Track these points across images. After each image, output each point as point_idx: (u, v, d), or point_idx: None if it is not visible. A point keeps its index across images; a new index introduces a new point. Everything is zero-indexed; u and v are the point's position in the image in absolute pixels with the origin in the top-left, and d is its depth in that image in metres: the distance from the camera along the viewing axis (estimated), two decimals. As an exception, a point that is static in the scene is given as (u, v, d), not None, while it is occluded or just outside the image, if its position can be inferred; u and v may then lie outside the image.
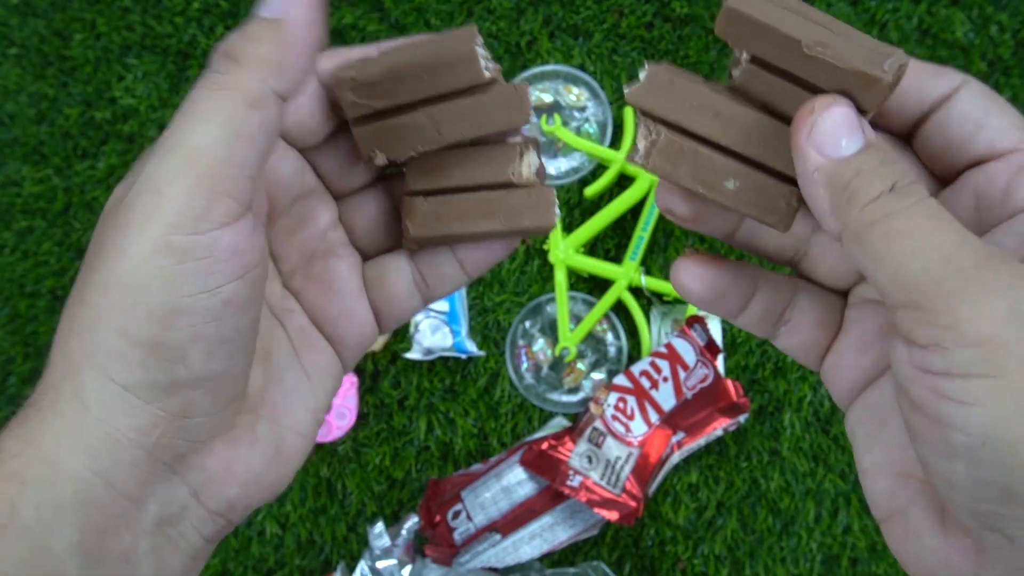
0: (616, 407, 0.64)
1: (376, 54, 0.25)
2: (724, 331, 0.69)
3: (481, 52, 0.24)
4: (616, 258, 0.70)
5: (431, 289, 0.28)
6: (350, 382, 0.70)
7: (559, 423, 0.68)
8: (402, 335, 0.71)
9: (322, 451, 0.71)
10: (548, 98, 0.73)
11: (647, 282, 0.68)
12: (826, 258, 0.26)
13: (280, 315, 0.27)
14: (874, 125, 0.22)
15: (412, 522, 0.65)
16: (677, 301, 0.69)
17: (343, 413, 0.70)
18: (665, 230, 0.70)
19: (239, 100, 0.21)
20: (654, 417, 0.64)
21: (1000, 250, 0.18)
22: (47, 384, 0.21)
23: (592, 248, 0.71)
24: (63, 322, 0.21)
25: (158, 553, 0.22)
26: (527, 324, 0.71)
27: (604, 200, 0.69)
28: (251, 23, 0.22)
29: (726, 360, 0.68)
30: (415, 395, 0.71)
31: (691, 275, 0.25)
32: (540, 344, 0.71)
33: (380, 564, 0.63)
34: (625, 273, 0.68)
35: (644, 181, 0.68)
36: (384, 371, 0.71)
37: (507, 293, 0.71)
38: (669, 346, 0.64)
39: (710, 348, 0.63)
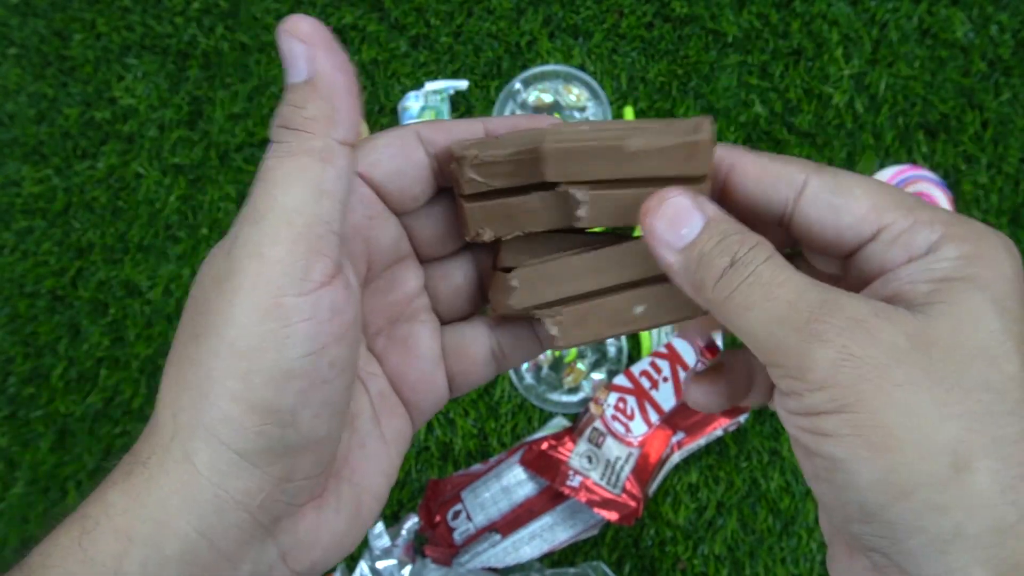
0: (616, 407, 0.64)
1: (481, 130, 0.26)
2: (724, 331, 0.68)
3: None
4: (616, 258, 0.70)
5: (507, 359, 0.29)
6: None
7: (559, 423, 0.68)
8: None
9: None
10: (548, 98, 0.73)
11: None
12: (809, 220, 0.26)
13: (364, 378, 0.27)
14: (751, 216, 0.24)
15: (412, 522, 0.65)
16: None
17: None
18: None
19: (312, 159, 0.22)
20: (654, 417, 0.64)
21: (835, 295, 0.21)
22: (155, 443, 0.22)
23: (592, 248, 0.71)
24: (171, 381, 0.22)
25: None
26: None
27: (604, 200, 0.69)
28: (290, 92, 0.23)
29: (726, 360, 0.68)
30: (415, 395, 0.71)
31: (701, 393, 0.28)
32: (540, 344, 0.71)
33: (380, 564, 0.63)
34: (625, 273, 0.68)
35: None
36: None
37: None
38: (669, 346, 0.64)
39: (710, 348, 0.63)
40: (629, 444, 0.63)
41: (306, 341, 0.21)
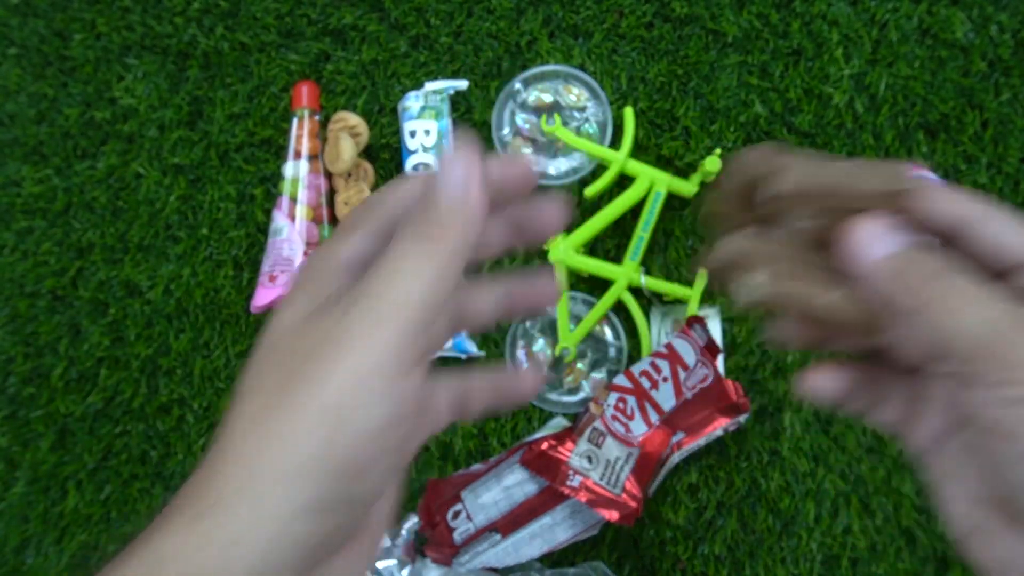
0: (616, 407, 0.64)
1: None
2: (724, 331, 0.69)
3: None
4: (616, 258, 0.70)
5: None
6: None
7: (559, 423, 0.68)
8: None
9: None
10: (548, 98, 0.73)
11: (647, 282, 0.68)
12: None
13: None
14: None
15: (412, 522, 0.65)
16: (677, 301, 0.69)
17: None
18: (665, 230, 0.70)
19: (441, 255, 0.25)
20: (654, 417, 0.64)
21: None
22: (222, 490, 0.23)
23: (592, 248, 0.71)
24: (248, 424, 0.24)
25: None
26: (527, 324, 0.71)
27: (604, 200, 0.69)
28: (436, 207, 0.25)
29: (726, 360, 0.68)
30: (415, 395, 0.71)
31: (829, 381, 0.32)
32: (540, 344, 0.71)
33: (380, 564, 0.63)
34: (625, 273, 0.68)
35: (644, 181, 0.68)
36: (384, 371, 0.71)
37: (507, 293, 0.71)
38: (669, 346, 0.64)
39: (710, 348, 0.63)
40: (629, 444, 0.63)
41: (391, 412, 0.23)
